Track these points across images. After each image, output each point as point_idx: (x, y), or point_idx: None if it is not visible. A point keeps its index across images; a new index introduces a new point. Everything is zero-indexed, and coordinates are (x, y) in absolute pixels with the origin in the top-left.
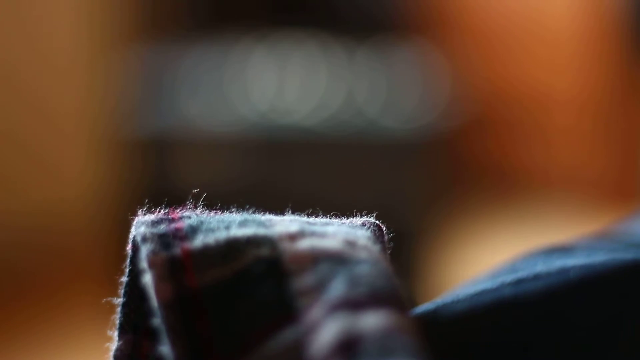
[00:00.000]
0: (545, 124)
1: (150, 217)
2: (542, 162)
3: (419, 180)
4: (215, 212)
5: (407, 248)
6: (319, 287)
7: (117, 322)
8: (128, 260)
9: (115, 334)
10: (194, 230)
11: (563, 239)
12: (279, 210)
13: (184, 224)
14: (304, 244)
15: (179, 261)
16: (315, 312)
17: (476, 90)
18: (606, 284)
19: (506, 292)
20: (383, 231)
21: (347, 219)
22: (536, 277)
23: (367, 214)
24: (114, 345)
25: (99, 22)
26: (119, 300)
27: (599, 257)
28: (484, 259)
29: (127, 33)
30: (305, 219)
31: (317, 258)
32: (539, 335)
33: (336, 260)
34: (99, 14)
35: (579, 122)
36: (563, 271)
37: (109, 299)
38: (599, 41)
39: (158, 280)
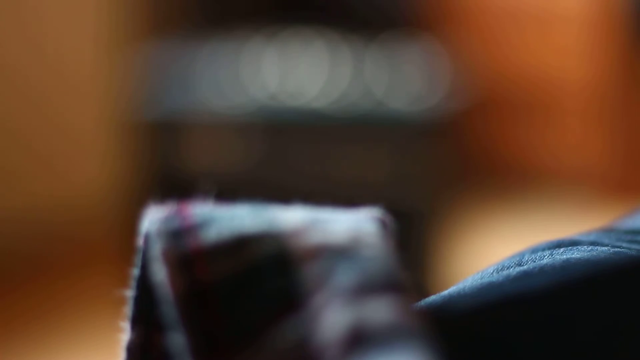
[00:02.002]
0: (554, 112)
1: (161, 212)
2: (549, 155)
3: (428, 163)
4: (225, 204)
5: (414, 229)
6: (325, 278)
7: (129, 314)
8: (140, 254)
9: (127, 326)
10: (204, 226)
11: (568, 232)
12: (288, 192)
13: (194, 219)
14: (311, 236)
15: (190, 256)
16: (321, 302)
17: (485, 76)
18: (610, 280)
19: (511, 288)
20: (388, 222)
21: (353, 210)
22: (541, 271)
23: (374, 198)
24: (125, 337)
25: (110, 17)
26: (131, 294)
27: (604, 252)
28: (488, 248)
29: (138, 28)
30: (311, 210)
31: (324, 250)
32: (541, 334)
33: (342, 251)
34: (110, 10)
35: (586, 111)
36: (568, 266)
37: (120, 291)
38: (607, 29)
39: (170, 275)
